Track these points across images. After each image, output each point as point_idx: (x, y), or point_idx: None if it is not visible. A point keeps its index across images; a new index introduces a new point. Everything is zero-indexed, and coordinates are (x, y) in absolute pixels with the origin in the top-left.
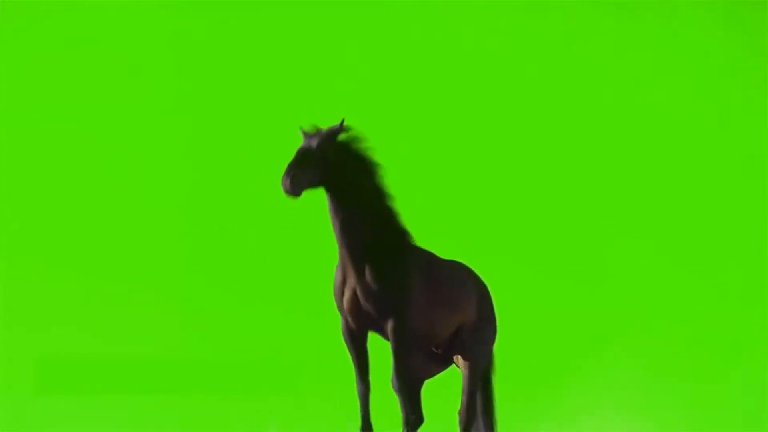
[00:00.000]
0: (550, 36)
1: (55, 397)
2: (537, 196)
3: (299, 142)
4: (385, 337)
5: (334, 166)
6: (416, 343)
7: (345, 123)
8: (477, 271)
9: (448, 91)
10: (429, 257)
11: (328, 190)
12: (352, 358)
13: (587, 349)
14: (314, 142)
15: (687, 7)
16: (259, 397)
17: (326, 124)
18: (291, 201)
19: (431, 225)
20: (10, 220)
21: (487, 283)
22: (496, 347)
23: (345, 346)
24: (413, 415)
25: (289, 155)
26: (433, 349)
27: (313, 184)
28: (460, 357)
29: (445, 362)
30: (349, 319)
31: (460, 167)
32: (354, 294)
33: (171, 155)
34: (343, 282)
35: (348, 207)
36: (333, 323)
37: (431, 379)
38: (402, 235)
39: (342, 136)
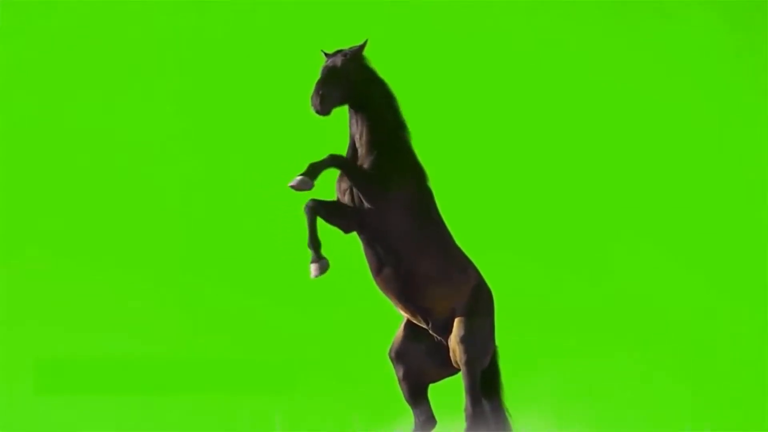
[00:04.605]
0: (550, 35)
1: (55, 397)
2: (539, 194)
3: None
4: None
5: (356, 85)
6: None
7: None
8: (480, 267)
9: (448, 88)
10: (429, 202)
11: (351, 106)
12: None
13: (588, 347)
14: (339, 60)
15: (687, 6)
16: (260, 397)
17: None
18: (290, 202)
19: None
20: (10, 220)
21: (490, 278)
22: (500, 344)
23: None
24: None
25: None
26: (428, 330)
27: (341, 102)
28: (456, 351)
29: (448, 366)
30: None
31: (462, 164)
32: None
33: (177, 149)
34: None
35: (368, 120)
36: (334, 322)
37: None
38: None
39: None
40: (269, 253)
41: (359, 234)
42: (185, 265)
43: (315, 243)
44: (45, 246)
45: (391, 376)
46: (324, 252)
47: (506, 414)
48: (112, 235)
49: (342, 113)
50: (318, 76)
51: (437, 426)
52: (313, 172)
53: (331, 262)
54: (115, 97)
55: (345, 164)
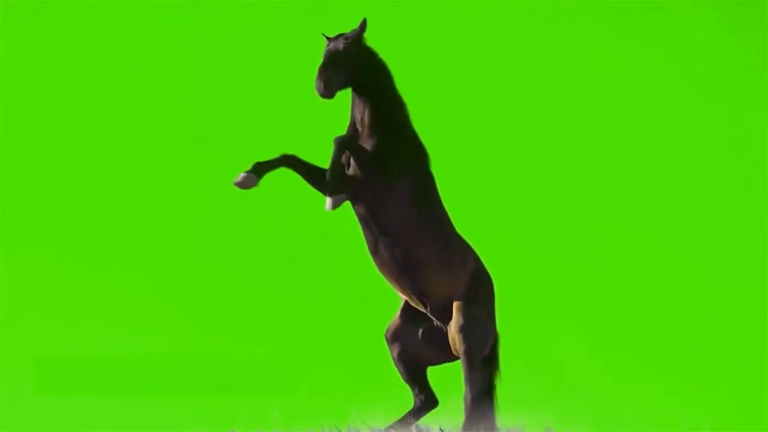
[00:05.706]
0: (552, 34)
1: (55, 397)
2: (540, 194)
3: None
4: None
5: (359, 67)
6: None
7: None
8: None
9: (451, 79)
10: (430, 187)
11: (354, 89)
12: None
13: (587, 346)
14: (340, 44)
15: (687, 6)
16: (258, 395)
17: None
18: (291, 200)
19: None
20: (11, 219)
21: (493, 273)
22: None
23: None
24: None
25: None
26: (427, 313)
27: (344, 85)
28: (456, 339)
29: (448, 353)
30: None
31: (464, 156)
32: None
33: (182, 144)
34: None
35: (371, 102)
36: (331, 318)
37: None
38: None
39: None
40: (268, 252)
41: (354, 206)
42: (184, 265)
43: (262, 167)
44: (45, 245)
45: (389, 370)
46: (323, 248)
47: (492, 402)
48: (113, 235)
49: (340, 105)
50: (320, 61)
51: (438, 409)
52: (333, 169)
53: (329, 260)
54: (118, 95)
55: (351, 144)
